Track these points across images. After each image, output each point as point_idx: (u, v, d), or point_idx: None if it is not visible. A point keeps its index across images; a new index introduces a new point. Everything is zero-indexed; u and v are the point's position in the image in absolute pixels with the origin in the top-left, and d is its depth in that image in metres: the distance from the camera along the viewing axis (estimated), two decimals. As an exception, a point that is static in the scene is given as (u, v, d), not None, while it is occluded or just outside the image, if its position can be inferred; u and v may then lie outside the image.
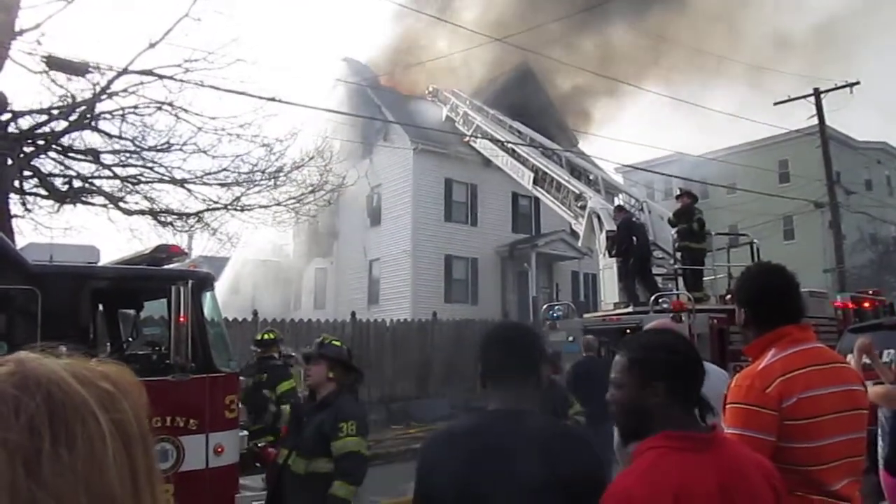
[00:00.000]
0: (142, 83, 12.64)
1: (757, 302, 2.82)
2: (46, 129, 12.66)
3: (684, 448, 1.96)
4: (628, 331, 12.78)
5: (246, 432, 7.54)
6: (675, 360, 2.07)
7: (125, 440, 0.78)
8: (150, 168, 13.50)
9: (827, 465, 2.51)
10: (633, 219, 14.27)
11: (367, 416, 4.67)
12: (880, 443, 5.85)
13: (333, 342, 4.62)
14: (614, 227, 14.34)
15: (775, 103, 25.25)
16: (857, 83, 23.92)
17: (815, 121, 24.44)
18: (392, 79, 29.06)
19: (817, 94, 24.29)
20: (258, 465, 7.40)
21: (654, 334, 2.34)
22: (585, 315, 15.51)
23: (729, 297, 12.78)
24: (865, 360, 6.48)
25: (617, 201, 18.01)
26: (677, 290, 13.58)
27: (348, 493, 4.15)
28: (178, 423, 5.79)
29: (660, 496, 1.86)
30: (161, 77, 12.46)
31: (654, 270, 14.29)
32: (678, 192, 15.11)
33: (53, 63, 11.62)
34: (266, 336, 9.45)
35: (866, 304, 15.49)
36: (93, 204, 13.40)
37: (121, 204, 13.44)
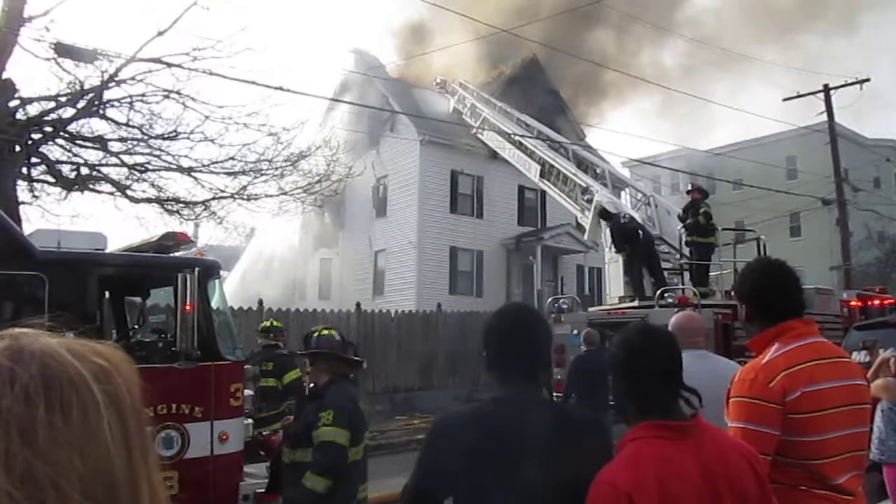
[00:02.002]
0: (150, 71, 12.65)
1: (760, 297, 2.82)
2: (54, 115, 12.68)
3: (663, 436, 2.03)
4: (632, 325, 12.76)
5: (251, 420, 7.57)
6: (621, 356, 2.18)
7: (119, 412, 0.78)
8: (158, 156, 13.52)
9: (830, 459, 2.51)
10: (623, 220, 14.05)
11: (355, 404, 4.58)
12: (877, 435, 5.84)
13: (322, 333, 4.58)
14: (627, 218, 14.27)
15: (784, 99, 25.16)
16: (868, 80, 23.82)
17: (825, 117, 24.33)
18: (400, 69, 29.01)
19: (827, 90, 24.17)
20: (262, 453, 7.43)
21: (627, 330, 2.35)
22: (590, 308, 15.51)
23: (734, 293, 12.76)
24: (867, 357, 6.51)
25: (623, 195, 17.97)
26: (683, 284, 13.57)
27: (316, 483, 4.06)
28: (184, 410, 5.82)
29: (643, 484, 1.92)
30: (169, 65, 12.46)
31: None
32: (689, 188, 15.11)
33: (61, 50, 11.64)
34: (273, 324, 9.48)
35: (877, 302, 15.46)
36: (100, 191, 13.42)
37: (128, 192, 13.47)
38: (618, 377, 2.20)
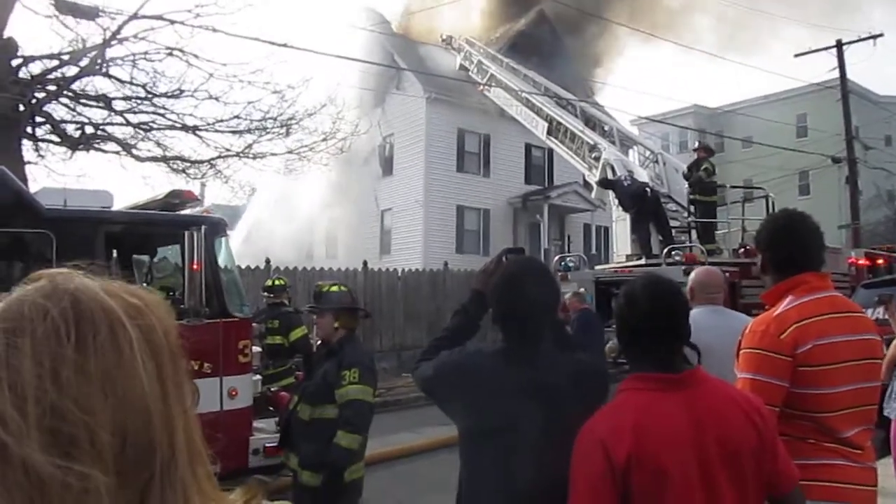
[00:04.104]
0: (152, 28, 12.50)
1: (778, 247, 2.80)
2: (57, 74, 12.58)
3: (650, 388, 2.05)
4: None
5: (259, 376, 7.64)
6: (622, 308, 2.19)
7: (153, 348, 0.78)
8: (162, 115, 13.42)
9: (839, 413, 2.51)
10: (626, 182, 13.95)
11: (373, 361, 4.64)
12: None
13: (332, 289, 4.57)
14: (630, 180, 14.20)
15: (796, 55, 24.75)
16: (881, 35, 23.40)
17: (836, 74, 23.96)
18: (405, 25, 28.60)
19: (839, 45, 23.75)
20: (271, 408, 7.51)
21: (631, 282, 2.33)
22: (597, 267, 15.51)
23: (742, 251, 12.76)
24: (881, 314, 6.48)
25: (631, 153, 17.80)
26: (690, 242, 13.56)
27: (351, 441, 4.13)
28: (193, 366, 5.84)
29: (619, 433, 1.96)
30: (172, 22, 12.31)
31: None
32: (696, 146, 15.05)
33: (62, 6, 11.50)
34: (276, 282, 9.51)
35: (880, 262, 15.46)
36: (105, 151, 13.38)
37: (133, 151, 13.41)
38: (618, 328, 2.21)
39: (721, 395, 2.10)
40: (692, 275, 4.21)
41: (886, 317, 6.35)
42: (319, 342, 4.84)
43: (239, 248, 18.41)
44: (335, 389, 4.20)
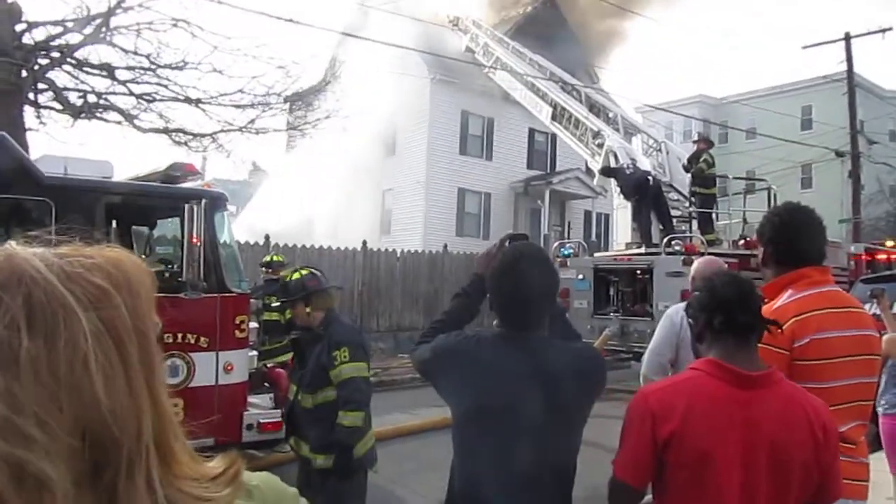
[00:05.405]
0: (158, -3, 12.43)
1: (781, 241, 2.78)
2: (61, 41, 12.49)
3: (718, 377, 2.05)
4: (639, 271, 12.85)
5: (256, 352, 7.65)
6: (703, 298, 2.20)
7: (117, 339, 0.74)
8: (165, 86, 13.34)
9: (835, 408, 2.50)
10: (628, 171, 13.96)
11: (362, 335, 4.62)
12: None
13: (294, 277, 4.50)
14: (632, 168, 14.21)
15: (804, 47, 24.61)
16: (890, 29, 23.24)
17: (843, 67, 23.82)
18: (412, 6, 28.35)
19: (847, 38, 23.60)
20: (267, 384, 7.53)
21: (714, 273, 2.36)
22: (596, 254, 15.51)
23: (742, 242, 12.77)
24: (876, 309, 6.46)
25: (635, 141, 17.74)
26: (691, 232, 13.59)
27: (353, 419, 4.15)
28: (189, 339, 5.87)
29: (669, 409, 2.01)
30: (177, -8, 12.22)
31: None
32: (695, 138, 15.09)
33: (68, -28, 11.39)
34: (275, 258, 9.53)
35: (884, 257, 15.50)
36: (107, 120, 13.30)
37: (135, 122, 13.34)
38: (696, 317, 2.22)
39: (789, 402, 2.07)
40: (695, 264, 4.31)
41: (879, 312, 6.33)
42: (302, 328, 4.71)
43: (243, 224, 18.42)
44: (329, 371, 4.21)
